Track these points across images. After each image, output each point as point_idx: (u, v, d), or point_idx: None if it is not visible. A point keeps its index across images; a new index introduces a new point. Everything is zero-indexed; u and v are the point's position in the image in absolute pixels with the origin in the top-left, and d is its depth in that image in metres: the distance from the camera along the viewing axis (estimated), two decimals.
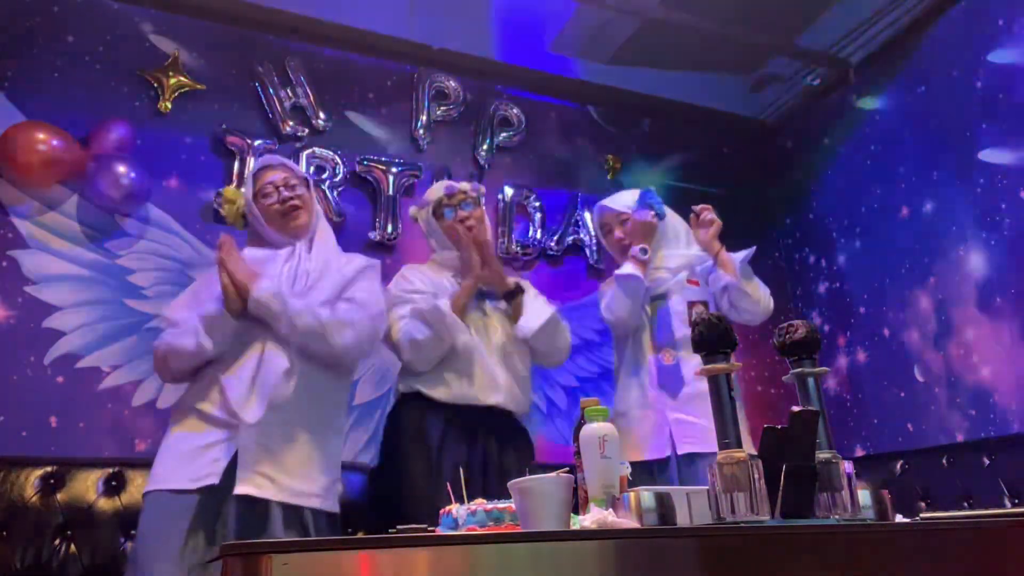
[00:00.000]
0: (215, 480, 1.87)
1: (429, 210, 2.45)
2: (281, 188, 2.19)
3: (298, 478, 1.95)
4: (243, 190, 2.30)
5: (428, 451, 2.19)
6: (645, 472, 2.36)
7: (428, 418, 2.23)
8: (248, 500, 1.89)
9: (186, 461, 1.90)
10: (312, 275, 2.13)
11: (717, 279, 2.55)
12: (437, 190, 2.46)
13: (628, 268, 2.51)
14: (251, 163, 3.07)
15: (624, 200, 2.66)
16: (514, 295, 2.42)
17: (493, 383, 2.25)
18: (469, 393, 2.24)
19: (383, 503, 2.25)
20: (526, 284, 2.51)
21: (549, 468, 1.41)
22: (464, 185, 2.46)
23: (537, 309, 2.40)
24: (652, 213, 2.56)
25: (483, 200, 2.53)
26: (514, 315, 2.40)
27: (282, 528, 1.89)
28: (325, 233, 2.29)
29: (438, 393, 2.24)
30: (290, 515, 1.93)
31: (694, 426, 2.34)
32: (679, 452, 2.35)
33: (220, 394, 1.95)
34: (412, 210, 2.55)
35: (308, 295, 2.07)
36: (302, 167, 3.07)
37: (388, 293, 2.36)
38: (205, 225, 2.98)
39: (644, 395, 2.47)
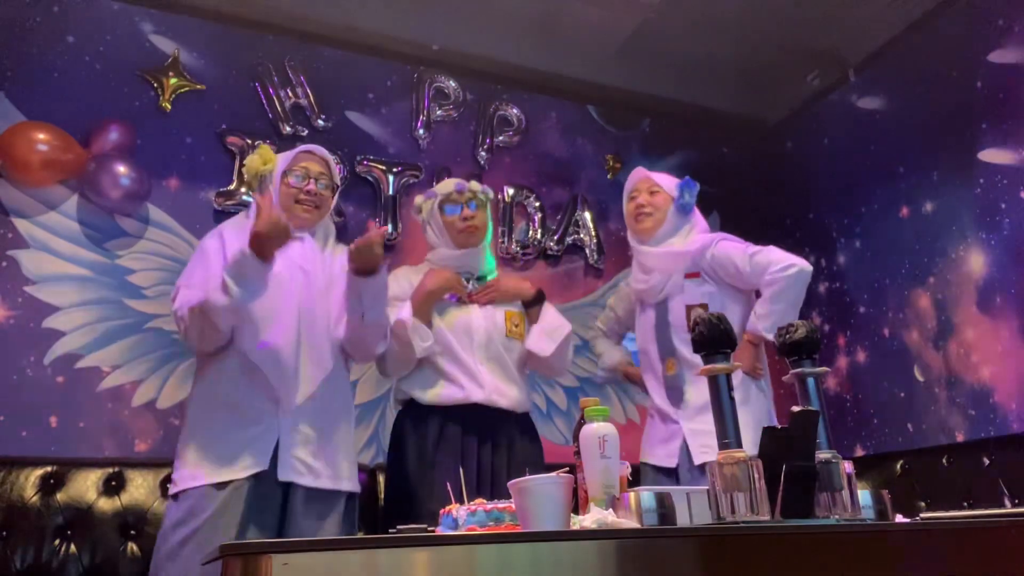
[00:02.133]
0: (264, 466, 1.90)
1: (435, 202, 2.41)
2: (312, 180, 2.14)
3: (334, 464, 2.01)
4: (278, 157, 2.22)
5: (425, 455, 2.20)
6: (660, 474, 2.39)
7: (424, 423, 2.24)
8: (289, 486, 1.94)
9: (231, 453, 1.90)
10: (321, 278, 2.11)
11: (732, 263, 2.42)
12: (447, 185, 2.43)
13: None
14: None
15: (663, 178, 2.58)
16: (536, 303, 2.41)
17: (476, 382, 2.25)
18: (457, 394, 2.24)
19: (393, 511, 2.26)
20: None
21: (549, 468, 1.41)
22: (475, 185, 2.43)
23: (554, 322, 2.38)
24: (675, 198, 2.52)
25: (490, 205, 2.48)
26: (530, 320, 2.40)
27: (307, 513, 1.95)
28: (332, 235, 2.26)
29: (427, 396, 2.25)
30: (322, 499, 1.98)
31: (710, 435, 2.31)
32: (695, 462, 2.31)
33: (257, 383, 1.94)
34: (418, 199, 2.47)
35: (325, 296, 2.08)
36: None
37: None
38: (205, 225, 2.98)
39: (655, 403, 2.48)
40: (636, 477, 2.39)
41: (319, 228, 2.19)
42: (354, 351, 2.15)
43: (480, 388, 2.25)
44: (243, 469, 1.88)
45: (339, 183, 2.25)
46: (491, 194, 2.48)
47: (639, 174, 2.59)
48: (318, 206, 2.15)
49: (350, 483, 2.06)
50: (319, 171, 2.16)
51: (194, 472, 1.90)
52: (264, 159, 2.15)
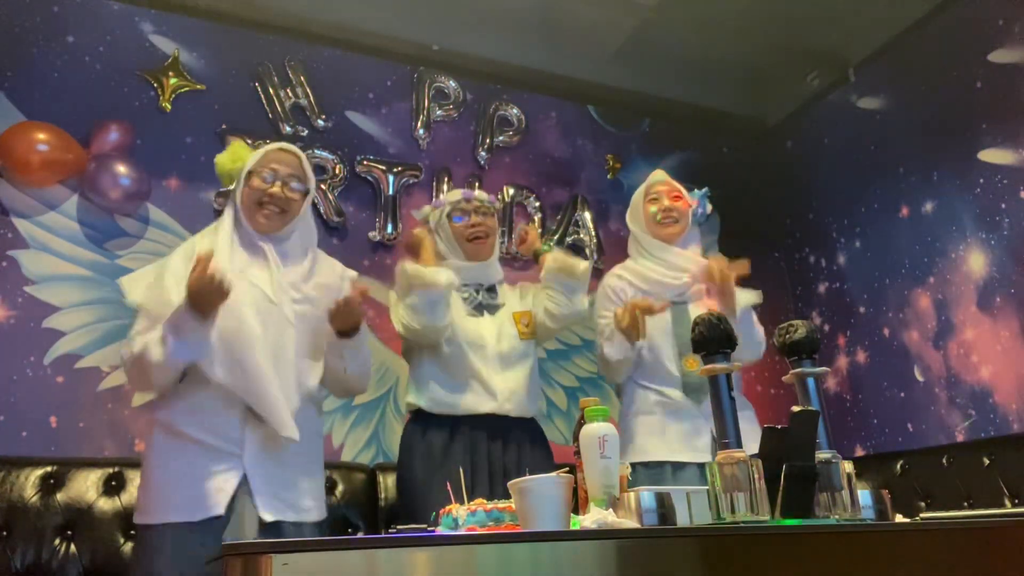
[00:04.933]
0: (220, 511, 1.78)
1: (444, 212, 2.43)
2: (280, 181, 1.97)
3: (306, 495, 1.92)
4: (252, 155, 2.05)
5: (431, 464, 2.20)
6: (682, 471, 2.33)
7: (431, 432, 2.24)
8: (264, 524, 1.83)
9: (196, 490, 1.79)
10: (309, 293, 1.99)
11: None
12: (454, 194, 2.44)
13: (614, 350, 2.42)
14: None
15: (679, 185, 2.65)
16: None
17: (489, 391, 2.25)
18: (466, 403, 2.24)
19: (400, 517, 2.26)
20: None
21: (554, 470, 1.41)
22: (481, 194, 2.44)
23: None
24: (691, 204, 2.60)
25: (497, 213, 2.50)
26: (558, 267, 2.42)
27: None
28: (313, 238, 2.11)
29: (436, 407, 2.25)
30: (294, 532, 1.89)
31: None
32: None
33: (227, 413, 1.84)
34: (425, 208, 2.48)
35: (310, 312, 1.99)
36: None
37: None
38: (205, 225, 2.97)
39: (670, 399, 2.39)
40: None
41: (294, 236, 2.01)
42: (335, 392, 2.08)
43: (492, 398, 2.25)
44: (205, 511, 1.77)
45: (312, 187, 2.06)
46: (498, 205, 2.51)
47: (660, 176, 2.65)
48: (284, 210, 1.96)
49: (319, 512, 1.96)
50: (288, 172, 1.98)
51: (172, 506, 1.79)
52: (234, 156, 1.99)
